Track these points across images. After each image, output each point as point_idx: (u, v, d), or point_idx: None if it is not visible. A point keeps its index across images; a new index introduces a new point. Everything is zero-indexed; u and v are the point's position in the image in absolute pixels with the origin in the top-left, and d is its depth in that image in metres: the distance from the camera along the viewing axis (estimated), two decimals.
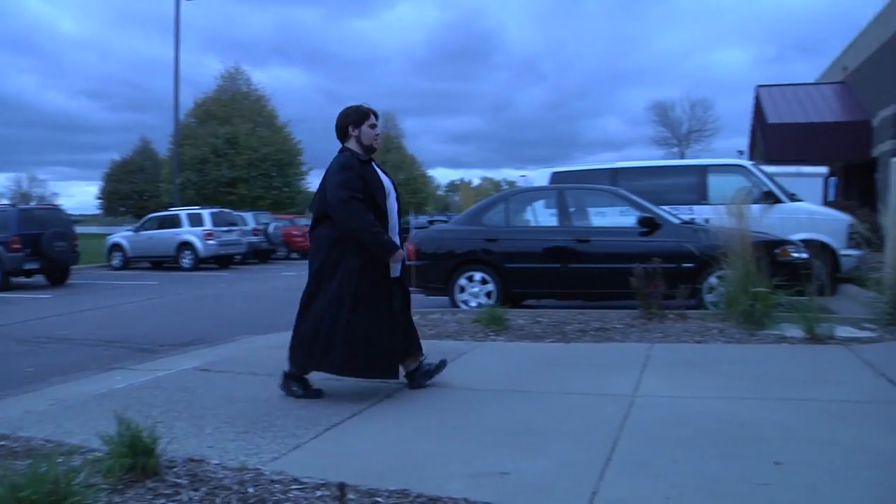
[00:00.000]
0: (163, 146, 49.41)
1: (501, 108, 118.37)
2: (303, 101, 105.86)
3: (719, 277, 7.94)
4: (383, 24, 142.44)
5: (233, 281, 17.82)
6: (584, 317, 7.68)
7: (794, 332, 6.33)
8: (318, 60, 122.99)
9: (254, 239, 24.54)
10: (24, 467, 2.84)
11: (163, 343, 8.02)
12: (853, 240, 10.32)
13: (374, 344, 4.56)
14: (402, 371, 4.88)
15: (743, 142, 37.70)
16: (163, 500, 2.96)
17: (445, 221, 14.14)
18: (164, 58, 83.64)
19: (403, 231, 5.28)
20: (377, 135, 4.87)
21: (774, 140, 25.05)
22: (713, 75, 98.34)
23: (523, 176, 13.74)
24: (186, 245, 21.73)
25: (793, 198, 10.89)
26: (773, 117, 25.58)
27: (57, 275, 17.05)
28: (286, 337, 7.29)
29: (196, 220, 22.06)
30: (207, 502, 2.95)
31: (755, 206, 8.05)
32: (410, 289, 5.49)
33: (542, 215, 9.89)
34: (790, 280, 6.98)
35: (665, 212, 9.19)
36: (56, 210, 19.23)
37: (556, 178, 11.60)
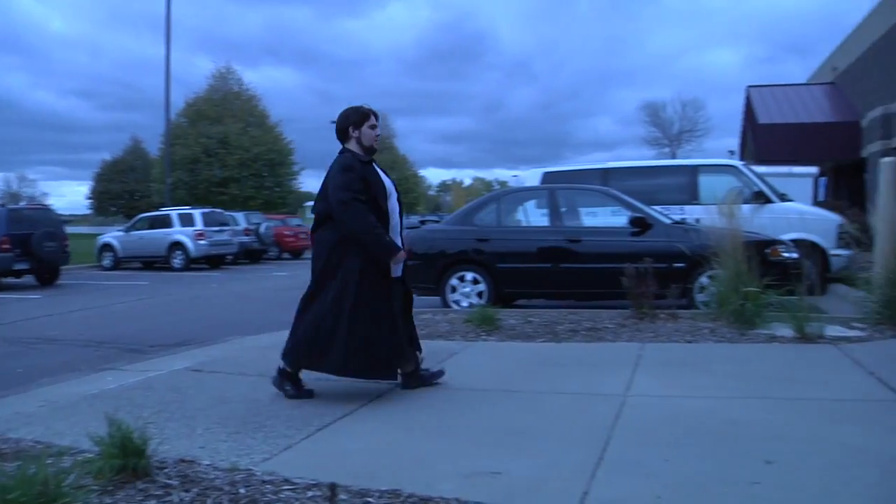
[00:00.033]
0: (154, 146, 49.31)
1: (493, 109, 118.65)
2: (294, 100, 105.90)
3: (710, 277, 7.95)
4: (375, 24, 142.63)
5: (224, 281, 17.77)
6: (576, 316, 7.69)
7: (785, 331, 6.36)
8: (310, 60, 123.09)
9: (245, 239, 24.48)
10: (13, 469, 2.82)
11: (154, 344, 7.99)
12: (843, 240, 10.37)
13: (374, 345, 4.56)
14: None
15: (734, 142, 37.87)
16: (153, 501, 2.95)
17: (437, 221, 14.14)
18: (156, 57, 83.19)
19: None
20: (378, 135, 4.86)
21: (765, 140, 25.17)
22: (704, 76, 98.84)
23: (515, 176, 13.82)
24: (177, 245, 21.66)
25: (783, 198, 10.94)
26: (763, 118, 25.69)
27: (47, 275, 16.97)
28: (277, 337, 7.31)
29: (187, 220, 22.00)
30: (198, 503, 2.94)
31: (746, 206, 8.08)
32: None
33: (534, 215, 9.90)
34: (780, 280, 7.02)
35: (656, 212, 9.22)
36: (46, 210, 19.15)
37: (548, 178, 11.63)
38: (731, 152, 37.54)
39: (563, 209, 9.47)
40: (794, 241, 9.30)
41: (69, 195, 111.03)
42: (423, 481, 3.12)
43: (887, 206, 7.06)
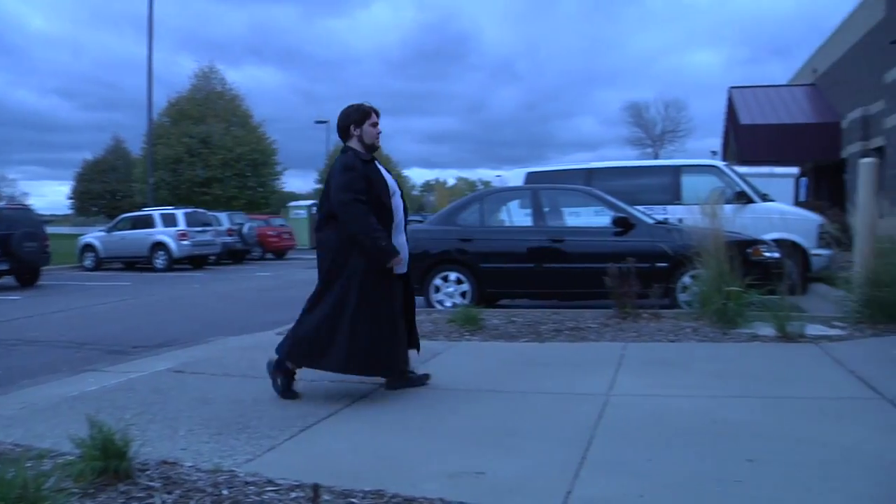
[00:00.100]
0: (136, 145, 49.02)
1: (477, 109, 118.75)
2: (277, 100, 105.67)
3: (693, 277, 8.01)
4: (358, 24, 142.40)
5: (207, 282, 17.67)
6: (559, 316, 7.71)
7: (766, 330, 6.40)
8: (293, 60, 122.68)
9: (228, 239, 24.37)
10: None
11: (136, 345, 7.94)
12: (823, 239, 10.47)
13: (376, 345, 4.56)
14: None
15: (716, 142, 38.07)
16: None
17: (420, 221, 14.13)
18: (138, 56, 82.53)
19: None
20: (379, 133, 4.86)
21: (747, 141, 25.35)
22: (687, 77, 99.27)
23: (498, 176, 13.78)
24: (160, 245, 21.51)
25: (765, 198, 11.02)
26: (745, 118, 25.87)
27: (27, 276, 16.78)
28: (261, 338, 7.30)
29: (170, 221, 21.86)
30: None
31: (728, 206, 8.14)
32: None
33: (517, 215, 9.93)
34: (762, 279, 7.07)
35: (639, 212, 9.25)
36: (26, 210, 18.93)
37: (531, 178, 11.65)
38: (714, 153, 37.80)
39: (547, 209, 9.50)
40: (775, 240, 9.36)
41: (50, 195, 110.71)
42: (407, 481, 3.11)
43: (866, 207, 7.14)
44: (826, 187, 24.60)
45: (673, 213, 10.46)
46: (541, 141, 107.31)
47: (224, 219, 25.75)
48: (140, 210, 24.87)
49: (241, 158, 41.18)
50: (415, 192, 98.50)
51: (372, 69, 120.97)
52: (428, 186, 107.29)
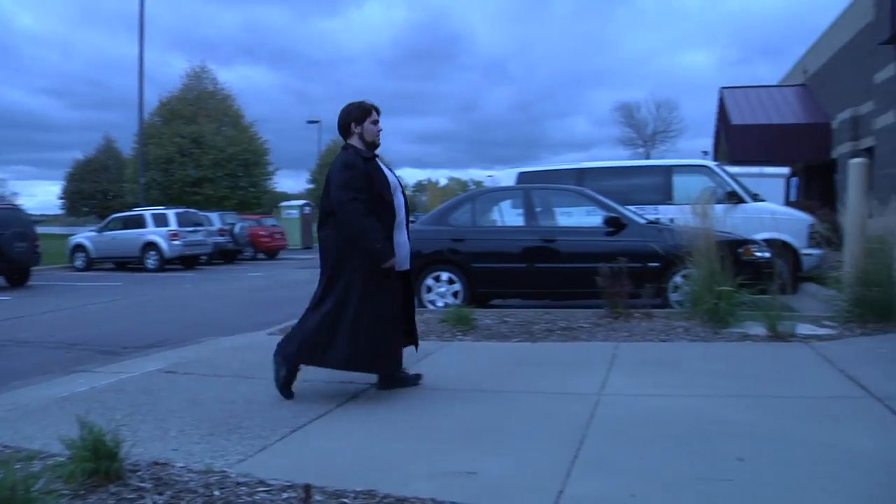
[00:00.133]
0: (127, 145, 48.71)
1: (469, 109, 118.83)
2: (269, 100, 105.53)
3: (684, 276, 8.03)
4: (351, 24, 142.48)
5: (198, 282, 17.63)
6: (551, 316, 7.72)
7: (757, 329, 6.43)
8: (285, 60, 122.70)
9: (220, 239, 24.31)
10: None
11: (126, 345, 7.91)
12: (814, 239, 10.50)
13: (379, 339, 4.58)
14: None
15: (707, 142, 38.19)
16: None
17: (412, 221, 14.12)
18: (129, 56, 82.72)
19: None
20: (380, 130, 4.86)
21: (738, 141, 25.41)
22: (678, 77, 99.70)
23: (490, 176, 13.79)
24: (151, 245, 21.45)
25: (756, 198, 11.05)
26: (736, 119, 25.94)
27: (17, 276, 16.70)
28: (252, 338, 7.29)
29: (161, 221, 21.80)
30: None
31: (719, 206, 8.16)
32: None
33: (509, 215, 9.93)
34: (753, 279, 7.08)
35: (630, 212, 9.27)
36: (16, 210, 18.81)
37: (523, 178, 11.66)
38: (705, 153, 37.92)
39: (539, 209, 9.51)
40: (766, 240, 9.40)
41: (40, 195, 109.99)
42: (399, 481, 3.12)
43: (856, 207, 7.17)
44: (816, 187, 24.70)
45: (664, 212, 10.48)
46: (532, 141, 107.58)
47: (215, 219, 25.67)
48: (131, 210, 24.80)
49: (233, 158, 41.03)
50: (407, 193, 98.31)
51: (364, 69, 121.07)
52: (420, 186, 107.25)
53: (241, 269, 22.72)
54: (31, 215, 20.56)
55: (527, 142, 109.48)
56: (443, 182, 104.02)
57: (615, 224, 8.74)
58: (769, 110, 26.33)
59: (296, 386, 4.81)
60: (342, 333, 4.51)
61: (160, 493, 3.02)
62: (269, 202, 46.29)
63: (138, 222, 22.11)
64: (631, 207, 9.61)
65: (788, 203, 15.08)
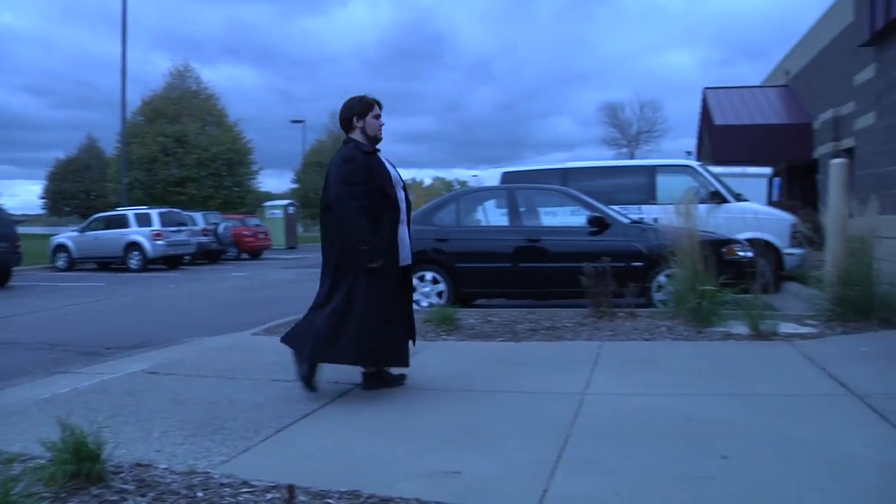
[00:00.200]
0: (110, 145, 48.44)
1: (453, 109, 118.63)
2: (253, 100, 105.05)
3: (668, 276, 8.07)
4: (335, 23, 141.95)
5: (182, 282, 17.53)
6: (535, 316, 7.73)
7: (740, 328, 6.47)
8: (269, 59, 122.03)
9: (203, 239, 24.21)
10: None
11: (109, 346, 7.85)
12: (796, 239, 10.59)
13: (385, 334, 4.61)
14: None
15: (691, 143, 38.42)
16: None
17: None
18: (111, 54, 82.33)
19: None
20: (382, 125, 4.87)
21: (721, 141, 25.58)
22: (662, 77, 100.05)
23: (475, 176, 13.80)
24: (134, 245, 21.32)
25: (739, 198, 11.13)
26: (719, 119, 26.10)
27: None
28: (236, 339, 7.25)
29: (144, 220, 21.68)
30: None
31: (702, 206, 8.20)
32: None
33: (493, 215, 9.95)
34: (736, 278, 7.14)
35: (614, 211, 9.31)
36: None
37: (507, 178, 11.68)
38: (689, 153, 38.14)
39: (523, 209, 9.53)
40: (749, 240, 9.46)
41: (21, 194, 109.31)
42: (383, 482, 3.11)
43: (837, 206, 7.24)
44: (799, 187, 24.91)
45: (648, 212, 10.54)
46: (517, 141, 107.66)
47: (199, 218, 25.57)
48: (114, 210, 24.63)
49: (217, 158, 40.87)
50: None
51: (348, 69, 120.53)
52: (404, 186, 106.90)
53: (224, 269, 22.62)
54: (12, 215, 20.37)
55: (511, 142, 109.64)
56: (427, 182, 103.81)
57: (599, 224, 8.78)
58: (752, 111, 26.52)
59: (279, 386, 4.80)
60: (350, 332, 4.52)
61: (143, 495, 3.00)
62: (253, 202, 46.14)
63: (121, 222, 21.98)
64: (615, 207, 9.65)
65: (771, 203, 15.18)
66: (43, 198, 67.59)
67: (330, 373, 5.07)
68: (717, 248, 7.90)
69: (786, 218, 11.13)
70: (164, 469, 3.33)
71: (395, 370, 4.98)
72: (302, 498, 2.94)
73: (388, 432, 3.96)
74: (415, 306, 8.85)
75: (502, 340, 6.65)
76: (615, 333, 6.70)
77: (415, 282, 9.17)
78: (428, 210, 10.01)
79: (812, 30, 24.94)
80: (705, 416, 4.00)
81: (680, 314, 7.14)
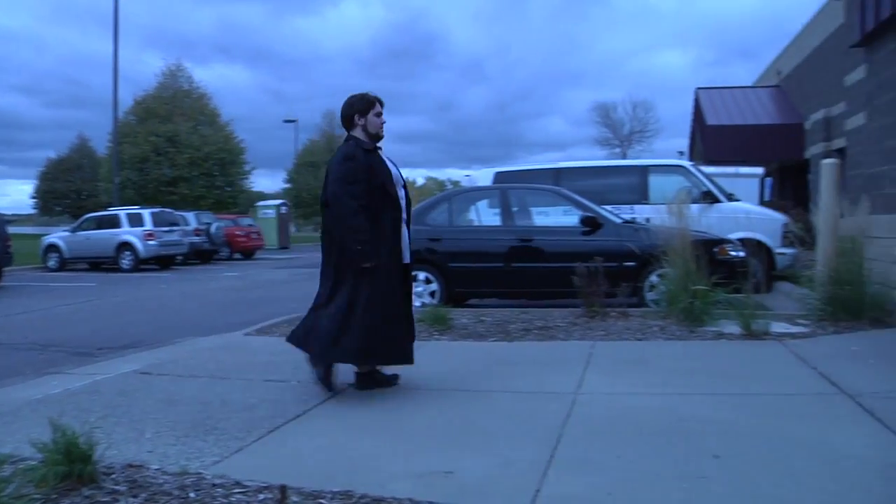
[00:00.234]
0: (101, 144, 48.31)
1: (446, 109, 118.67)
2: (246, 99, 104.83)
3: (660, 276, 8.09)
4: (328, 23, 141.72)
5: (174, 282, 17.48)
6: (528, 316, 7.74)
7: (732, 328, 6.49)
8: (262, 59, 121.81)
9: (195, 239, 24.14)
10: None
11: (101, 346, 7.82)
12: (788, 238, 10.63)
13: (387, 334, 4.61)
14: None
15: (683, 143, 38.50)
16: None
17: None
18: (103, 53, 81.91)
19: None
20: (383, 123, 4.87)
21: (713, 141, 25.64)
22: (654, 78, 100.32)
23: (467, 176, 13.81)
24: (126, 245, 21.25)
25: (731, 198, 11.17)
26: (711, 119, 26.17)
27: None
28: (228, 339, 7.24)
29: (136, 220, 21.60)
30: None
31: (694, 206, 8.23)
32: None
33: (486, 215, 9.95)
34: (728, 278, 7.17)
35: (607, 211, 9.33)
36: None
37: (500, 177, 11.68)
38: (681, 153, 38.23)
39: (515, 209, 9.53)
40: (740, 240, 9.49)
41: (12, 194, 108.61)
42: (376, 482, 3.11)
43: (828, 206, 7.27)
44: (790, 187, 24.98)
45: (640, 212, 10.56)
46: (510, 141, 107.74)
47: (191, 218, 25.50)
48: (105, 210, 24.55)
49: (209, 157, 40.77)
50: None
51: (341, 68, 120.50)
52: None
53: (217, 269, 22.56)
54: (3, 215, 20.26)
55: (504, 141, 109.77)
56: (420, 182, 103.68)
57: (591, 224, 8.79)
58: (744, 111, 26.60)
59: (272, 386, 4.79)
60: (353, 331, 4.52)
61: (134, 496, 2.99)
62: (246, 202, 46.06)
63: (113, 222, 21.90)
64: (607, 207, 9.67)
65: (763, 203, 15.24)
66: (34, 197, 67.40)
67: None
68: (709, 248, 7.92)
69: (777, 218, 11.17)
70: (157, 470, 3.32)
71: (389, 370, 4.98)
72: (294, 498, 2.94)
73: (381, 432, 3.96)
74: None
75: (495, 340, 6.65)
76: (607, 333, 6.71)
77: None
78: (420, 210, 10.00)
79: (803, 31, 25.03)
80: (697, 416, 4.02)
81: (672, 314, 7.16)
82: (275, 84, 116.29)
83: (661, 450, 3.46)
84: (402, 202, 4.82)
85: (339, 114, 4.94)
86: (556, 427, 3.86)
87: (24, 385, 5.39)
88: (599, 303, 7.48)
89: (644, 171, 11.54)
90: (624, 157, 50.82)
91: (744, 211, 10.98)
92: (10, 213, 54.60)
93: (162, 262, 22.30)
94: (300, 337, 4.84)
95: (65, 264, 22.06)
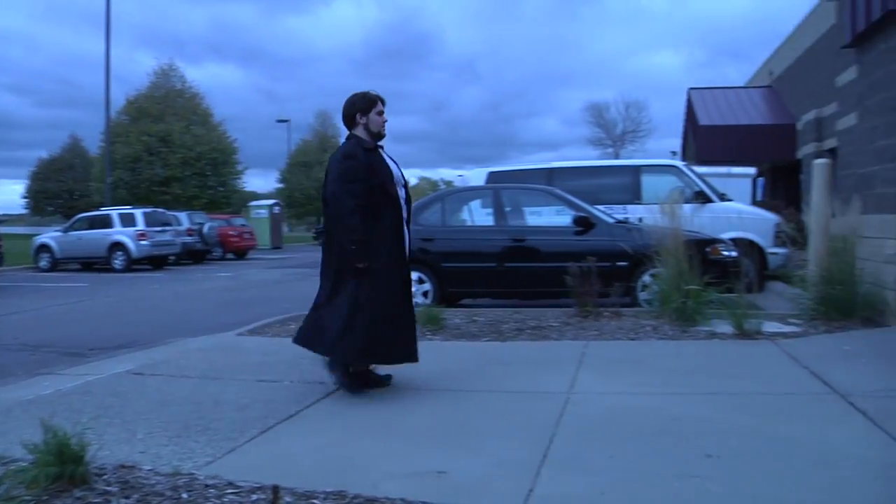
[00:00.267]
0: (93, 144, 48.04)
1: (439, 109, 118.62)
2: (238, 99, 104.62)
3: (652, 275, 8.09)
4: (320, 23, 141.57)
5: (166, 282, 17.43)
6: (521, 315, 7.74)
7: (725, 328, 6.50)
8: (254, 58, 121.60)
9: (188, 239, 24.08)
10: None
11: (93, 347, 7.80)
12: (780, 238, 10.66)
13: (389, 333, 4.62)
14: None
15: (675, 143, 38.72)
16: None
17: None
18: (95, 53, 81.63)
19: None
20: (385, 121, 4.86)
21: (705, 141, 25.68)
22: (647, 78, 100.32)
23: (460, 175, 13.82)
24: (118, 246, 21.18)
25: (723, 198, 11.19)
26: (704, 119, 26.22)
27: None
28: (221, 339, 7.22)
29: (128, 220, 21.54)
30: None
31: (687, 206, 8.24)
32: None
33: (479, 215, 9.94)
34: (720, 277, 7.18)
35: (599, 211, 9.33)
36: None
37: (493, 177, 11.68)
38: (674, 153, 38.28)
39: (508, 209, 9.54)
40: (733, 239, 9.52)
41: (3, 194, 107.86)
42: (369, 482, 3.11)
43: (820, 206, 7.30)
44: (782, 187, 25.06)
45: (633, 212, 10.56)
46: (503, 141, 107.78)
47: (184, 218, 25.43)
48: (98, 209, 24.47)
49: (202, 157, 40.62)
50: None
51: (334, 68, 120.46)
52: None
53: (209, 269, 22.51)
54: None
55: (497, 141, 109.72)
56: (413, 181, 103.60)
57: (584, 223, 8.80)
58: (736, 111, 26.66)
59: (264, 386, 4.78)
60: (355, 331, 4.52)
61: (127, 497, 2.98)
62: (239, 202, 45.98)
63: (105, 222, 21.82)
64: (600, 207, 9.67)
65: (755, 203, 15.28)
66: (25, 197, 67.07)
67: (315, 373, 5.07)
68: (701, 248, 7.94)
69: (770, 218, 11.20)
70: (149, 470, 3.31)
71: (383, 370, 4.98)
72: (287, 498, 2.94)
73: (374, 432, 3.95)
74: None
75: (488, 340, 6.65)
76: (600, 333, 6.72)
77: None
78: (413, 210, 9.94)
79: (795, 31, 25.10)
80: (690, 415, 4.03)
81: (665, 313, 7.17)
82: (267, 84, 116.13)
83: (654, 449, 3.47)
84: (403, 202, 4.81)
85: (337, 113, 4.97)
86: (549, 427, 3.87)
87: (16, 386, 5.38)
88: (592, 302, 7.49)
89: (637, 171, 11.55)
90: (616, 157, 50.88)
91: (736, 211, 11.01)
92: (1, 212, 54.44)
93: (154, 262, 22.23)
94: (306, 338, 4.84)
95: (56, 264, 21.98)
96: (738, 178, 15.81)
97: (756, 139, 24.76)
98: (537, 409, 4.25)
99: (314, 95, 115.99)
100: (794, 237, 9.27)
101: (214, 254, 26.98)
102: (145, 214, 21.94)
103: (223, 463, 3.44)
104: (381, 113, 4.82)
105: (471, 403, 4.49)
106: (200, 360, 6.08)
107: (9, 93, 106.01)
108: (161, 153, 39.68)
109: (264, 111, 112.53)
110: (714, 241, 8.61)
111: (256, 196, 51.91)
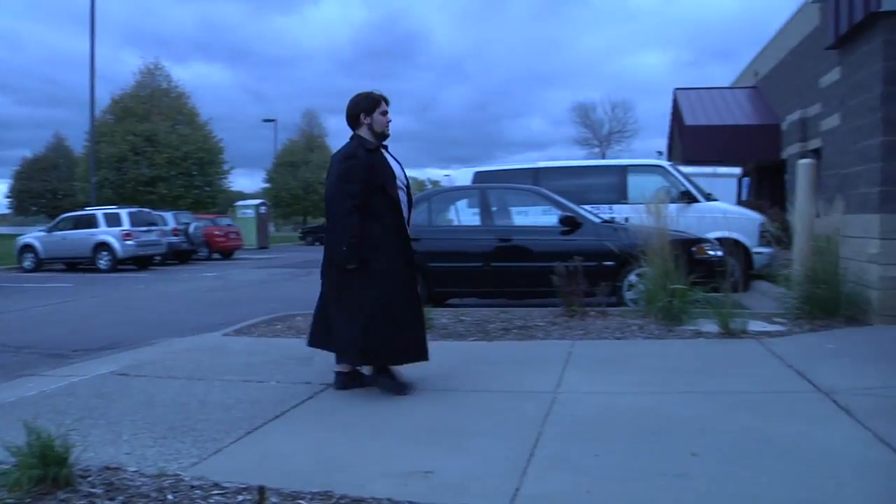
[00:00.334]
0: (78, 143, 47.81)
1: (426, 108, 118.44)
2: (224, 98, 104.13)
3: (639, 275, 8.13)
4: (307, 22, 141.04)
5: (152, 282, 17.34)
6: (507, 315, 7.76)
7: (710, 327, 6.53)
8: (240, 57, 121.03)
9: (174, 239, 23.98)
10: None
11: (77, 348, 7.74)
12: (765, 238, 10.74)
13: (395, 333, 4.61)
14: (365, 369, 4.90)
15: (661, 143, 38.84)
16: None
17: None
18: (80, 51, 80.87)
19: None
20: (389, 121, 4.85)
21: (691, 141, 25.83)
22: (633, 78, 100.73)
23: (447, 175, 13.87)
24: (103, 246, 21.06)
25: (709, 197, 11.26)
26: (690, 119, 26.35)
27: None
28: (207, 339, 7.19)
29: (113, 220, 21.42)
30: None
31: (673, 206, 8.28)
32: None
33: (465, 215, 9.95)
34: (706, 277, 7.23)
35: (586, 211, 9.36)
36: None
37: (479, 177, 11.70)
38: (660, 153, 38.51)
39: (495, 208, 9.55)
40: (718, 239, 9.56)
41: None
42: (355, 482, 3.10)
43: (804, 206, 7.35)
44: (767, 187, 25.22)
45: (619, 212, 10.61)
46: (489, 140, 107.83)
47: (170, 218, 25.32)
48: (82, 209, 24.31)
49: (188, 157, 40.50)
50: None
51: (321, 68, 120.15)
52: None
53: (195, 269, 22.41)
54: None
55: (484, 141, 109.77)
56: None
57: (570, 223, 8.82)
58: (722, 111, 26.82)
59: (250, 387, 4.76)
60: (364, 332, 4.52)
61: (111, 499, 2.96)
62: (225, 201, 45.83)
63: (90, 222, 21.70)
64: (586, 207, 9.71)
65: (740, 202, 15.38)
66: (9, 197, 66.59)
67: (305, 373, 5.06)
68: (687, 248, 7.98)
69: (755, 217, 11.27)
70: (134, 472, 3.29)
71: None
72: (273, 499, 2.93)
73: (360, 432, 3.95)
74: None
75: (474, 340, 6.66)
76: (587, 332, 6.73)
77: None
78: None
79: (780, 32, 25.28)
80: (676, 414, 4.04)
81: (651, 313, 7.20)
82: (254, 83, 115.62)
83: (640, 448, 3.48)
84: (404, 204, 4.79)
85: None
86: (535, 426, 3.87)
87: None
88: (579, 302, 7.51)
89: (623, 170, 11.61)
90: (603, 156, 51.13)
91: (721, 211, 11.07)
92: None
93: (140, 262, 22.13)
94: (321, 338, 4.85)
95: (41, 265, 21.83)
96: (724, 178, 15.93)
97: (741, 139, 24.92)
98: (524, 409, 4.25)
99: (301, 95, 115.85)
100: (779, 237, 9.33)
101: (200, 254, 26.88)
102: (130, 214, 21.84)
103: (209, 464, 3.43)
104: (385, 113, 4.81)
105: (457, 403, 4.50)
106: (186, 360, 6.05)
107: None
108: (146, 153, 39.53)
109: (251, 111, 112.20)
110: (700, 241, 8.66)
111: (243, 196, 51.76)
